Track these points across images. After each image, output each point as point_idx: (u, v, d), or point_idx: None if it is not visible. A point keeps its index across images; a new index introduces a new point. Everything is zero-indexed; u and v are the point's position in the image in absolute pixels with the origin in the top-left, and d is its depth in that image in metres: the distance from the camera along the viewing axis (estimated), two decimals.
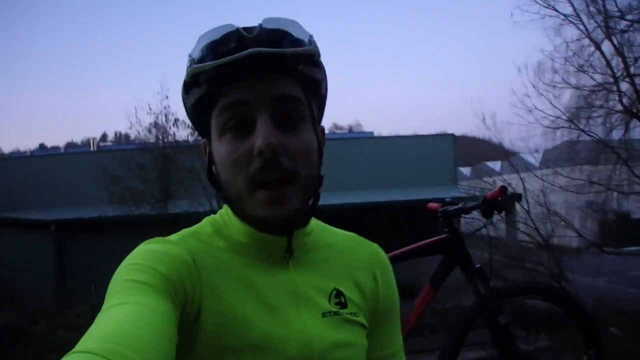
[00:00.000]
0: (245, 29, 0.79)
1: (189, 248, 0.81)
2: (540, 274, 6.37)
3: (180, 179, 12.67)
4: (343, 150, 17.69)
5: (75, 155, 20.26)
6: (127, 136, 13.90)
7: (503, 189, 2.41)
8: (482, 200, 2.44)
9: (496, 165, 15.11)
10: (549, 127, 7.48)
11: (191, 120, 0.90)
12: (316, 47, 0.82)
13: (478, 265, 2.51)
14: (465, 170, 20.43)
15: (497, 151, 9.04)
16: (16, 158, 21.60)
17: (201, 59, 0.78)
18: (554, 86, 7.29)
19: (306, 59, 0.81)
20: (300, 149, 0.80)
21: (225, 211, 0.91)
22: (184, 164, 12.25)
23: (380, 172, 16.80)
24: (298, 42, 0.79)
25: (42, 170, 17.19)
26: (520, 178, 7.26)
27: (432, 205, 2.74)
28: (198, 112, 0.85)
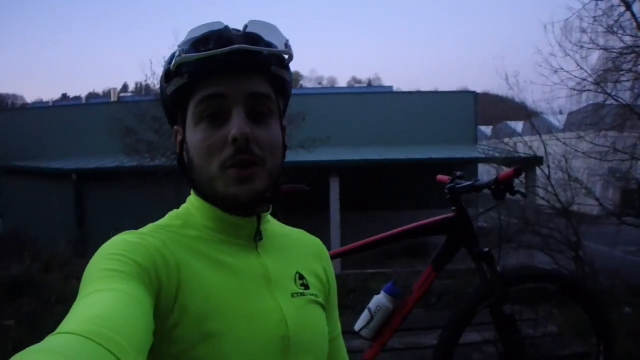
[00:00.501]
0: (232, 28, 0.87)
1: (162, 239, 0.84)
2: (556, 240, 6.21)
3: None
4: (361, 105, 17.44)
5: (94, 106, 20.35)
6: (147, 87, 13.97)
7: (517, 170, 2.21)
8: (494, 180, 2.26)
9: (518, 125, 14.72)
10: (574, 89, 7.19)
11: (165, 108, 0.96)
12: (291, 50, 0.90)
13: (486, 249, 2.36)
14: (486, 130, 20.04)
15: (519, 111, 8.76)
16: (38, 108, 21.72)
17: (188, 51, 0.85)
18: (581, 46, 6.97)
19: (279, 61, 0.90)
20: (268, 140, 0.88)
21: (189, 203, 0.96)
22: None
23: (399, 129, 16.54)
24: (273, 47, 0.88)
25: (62, 120, 17.34)
26: (542, 141, 7.03)
27: (441, 177, 2.57)
28: (175, 100, 0.91)
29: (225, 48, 0.83)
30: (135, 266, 0.74)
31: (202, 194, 0.92)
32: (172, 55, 0.88)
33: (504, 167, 7.60)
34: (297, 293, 0.93)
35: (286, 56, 0.91)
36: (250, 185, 0.86)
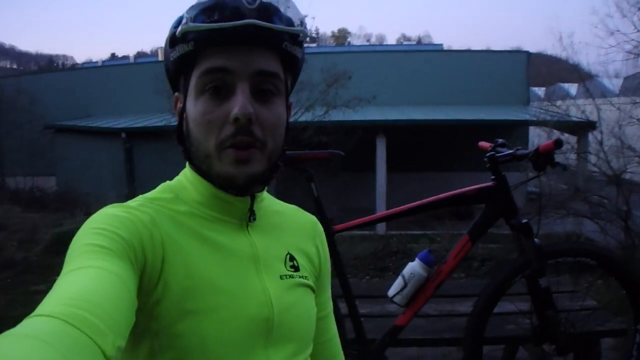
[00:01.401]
0: None
1: (150, 213, 0.82)
2: (606, 209, 6.01)
3: None
4: (409, 63, 17.08)
5: (142, 65, 20.65)
6: None
7: (558, 142, 2.12)
8: (535, 150, 2.17)
9: (572, 88, 14.17)
10: (630, 53, 6.78)
11: (168, 73, 0.92)
12: (306, 28, 0.86)
13: (524, 221, 2.29)
14: (539, 91, 19.35)
15: (573, 73, 8.39)
16: (88, 68, 22.19)
17: (196, 18, 0.80)
18: None
19: (292, 37, 0.85)
20: (271, 121, 0.85)
21: (183, 175, 0.94)
22: None
23: (448, 89, 16.18)
24: (289, 21, 0.84)
25: (111, 79, 17.71)
26: (596, 105, 6.76)
27: (483, 144, 2.49)
28: (179, 67, 0.87)
29: (235, 22, 0.78)
30: (120, 242, 0.73)
31: (197, 168, 0.89)
32: (179, 20, 0.83)
33: (555, 132, 7.37)
34: (286, 275, 0.92)
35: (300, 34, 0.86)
36: (247, 167, 0.83)
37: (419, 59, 17.69)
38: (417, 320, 2.52)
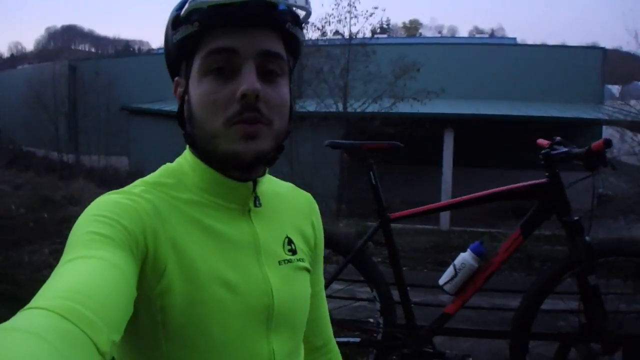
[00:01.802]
0: None
1: (153, 201, 0.81)
2: None
3: (307, 80, 12.84)
4: (481, 57, 16.77)
5: None
6: None
7: (607, 141, 2.15)
8: (586, 149, 2.20)
9: None
10: None
11: (168, 57, 0.91)
12: (310, 8, 0.86)
13: (576, 218, 2.31)
14: (614, 89, 18.60)
15: None
16: (163, 54, 22.87)
17: None
18: None
19: (294, 18, 0.86)
20: (277, 100, 0.84)
21: (184, 159, 0.92)
22: (312, 65, 12.35)
23: (521, 83, 15.78)
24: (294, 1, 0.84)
25: None
26: None
27: (541, 141, 2.53)
28: (181, 50, 0.86)
29: None
30: (122, 231, 0.72)
31: (200, 151, 0.88)
32: (183, 1, 0.83)
33: (627, 132, 7.14)
34: (284, 260, 0.92)
35: (303, 13, 0.87)
36: (255, 143, 0.82)
37: (491, 52, 17.35)
38: (468, 311, 2.59)
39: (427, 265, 7.23)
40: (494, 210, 8.58)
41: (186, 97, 0.87)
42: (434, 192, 12.65)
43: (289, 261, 0.93)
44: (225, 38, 0.81)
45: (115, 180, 14.48)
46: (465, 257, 2.48)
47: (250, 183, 0.89)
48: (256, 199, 0.91)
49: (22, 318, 0.53)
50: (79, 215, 0.76)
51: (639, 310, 2.75)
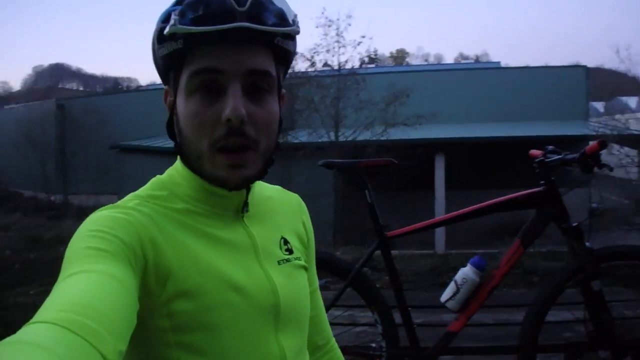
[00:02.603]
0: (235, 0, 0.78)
1: (149, 213, 0.81)
2: None
3: (299, 110, 12.91)
4: (467, 82, 16.99)
5: None
6: None
7: (602, 143, 2.16)
8: (581, 153, 2.21)
9: (632, 101, 13.74)
10: None
11: (158, 68, 0.90)
12: (298, 26, 0.84)
13: (575, 224, 2.30)
14: (599, 106, 18.85)
15: (633, 86, 8.20)
16: (152, 89, 22.95)
17: (184, 14, 0.78)
18: None
19: (284, 33, 0.83)
20: (264, 119, 0.84)
21: (175, 170, 0.92)
22: (303, 95, 12.43)
23: (507, 105, 15.98)
24: (282, 15, 0.82)
25: None
26: None
27: (533, 152, 2.53)
28: (167, 63, 0.85)
29: (225, 26, 0.76)
30: (119, 244, 0.72)
31: (189, 166, 0.88)
32: (167, 14, 0.81)
33: (614, 145, 7.18)
34: (283, 260, 0.93)
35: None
36: (240, 172, 0.83)
37: (477, 76, 17.60)
38: (473, 328, 2.53)
39: (426, 287, 7.18)
40: (488, 231, 8.58)
41: (175, 110, 0.87)
42: (428, 216, 12.58)
43: (288, 260, 0.94)
44: (211, 57, 0.79)
45: None
46: (466, 272, 2.43)
47: (244, 191, 0.90)
48: (245, 206, 0.92)
49: (27, 332, 0.53)
50: None
51: None
